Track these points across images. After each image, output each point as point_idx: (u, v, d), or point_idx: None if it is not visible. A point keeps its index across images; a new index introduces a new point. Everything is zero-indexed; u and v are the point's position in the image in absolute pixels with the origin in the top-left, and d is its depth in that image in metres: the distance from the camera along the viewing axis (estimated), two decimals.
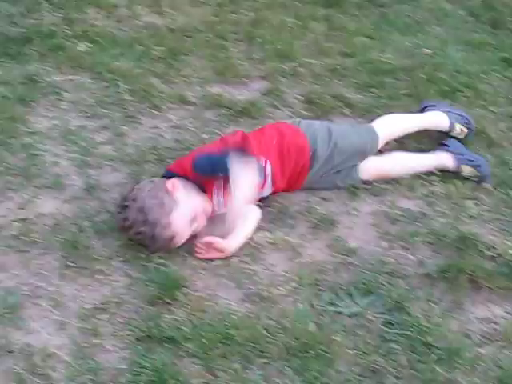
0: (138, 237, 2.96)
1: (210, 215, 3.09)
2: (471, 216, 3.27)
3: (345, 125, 3.65)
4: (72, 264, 2.94)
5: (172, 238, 2.94)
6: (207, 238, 2.96)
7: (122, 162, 3.53)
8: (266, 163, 3.18)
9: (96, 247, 3.02)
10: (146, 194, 2.97)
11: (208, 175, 3.04)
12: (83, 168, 3.48)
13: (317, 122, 3.47)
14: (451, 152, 3.51)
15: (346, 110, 4.01)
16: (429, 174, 3.49)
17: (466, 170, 3.46)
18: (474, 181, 3.46)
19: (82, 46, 4.38)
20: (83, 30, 4.54)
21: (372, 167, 3.42)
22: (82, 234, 3.07)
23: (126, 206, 2.97)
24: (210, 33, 4.69)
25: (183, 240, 2.99)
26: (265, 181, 3.19)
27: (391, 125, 3.62)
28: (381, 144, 3.51)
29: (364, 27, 4.87)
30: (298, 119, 3.52)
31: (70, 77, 4.18)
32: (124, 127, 3.80)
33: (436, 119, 3.71)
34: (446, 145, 3.58)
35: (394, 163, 3.49)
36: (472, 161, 3.47)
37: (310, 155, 3.29)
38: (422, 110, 3.79)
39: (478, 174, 3.45)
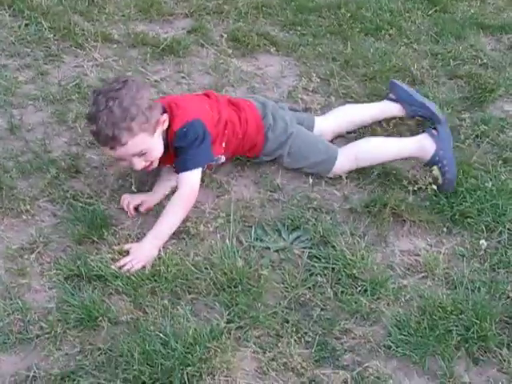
0: (102, 108, 2.70)
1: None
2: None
3: (309, 136, 3.22)
4: None
5: (120, 142, 2.71)
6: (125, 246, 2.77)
7: (46, 101, 3.48)
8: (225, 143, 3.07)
9: (21, 188, 2.99)
10: (147, 95, 2.82)
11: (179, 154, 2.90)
12: (6, 108, 3.42)
13: (281, 127, 3.14)
14: (436, 143, 3.18)
15: (272, 48, 4.02)
16: None
17: (434, 172, 3.16)
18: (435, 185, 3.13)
19: None
20: None
21: (349, 157, 3.19)
22: (6, 174, 3.03)
23: (126, 81, 2.77)
24: None
25: (119, 155, 2.79)
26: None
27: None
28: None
29: None
30: (271, 104, 3.22)
31: None
32: (47, 66, 3.74)
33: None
34: (436, 130, 3.25)
35: (373, 152, 3.23)
36: (445, 165, 3.12)
37: (262, 142, 3.16)
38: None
39: (441, 182, 3.12)
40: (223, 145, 3.04)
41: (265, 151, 3.16)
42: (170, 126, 2.88)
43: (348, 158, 3.18)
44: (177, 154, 2.90)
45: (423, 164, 3.23)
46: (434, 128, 3.30)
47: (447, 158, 3.14)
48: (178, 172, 2.89)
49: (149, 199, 2.99)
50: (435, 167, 3.14)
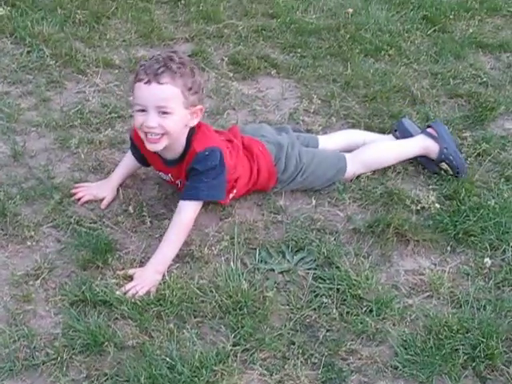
0: (163, 54, 2.80)
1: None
2: (397, 172, 3.34)
3: (318, 157, 3.22)
4: (1, 231, 2.91)
5: (159, 79, 2.70)
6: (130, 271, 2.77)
7: (48, 128, 3.49)
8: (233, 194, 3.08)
9: (25, 214, 3.00)
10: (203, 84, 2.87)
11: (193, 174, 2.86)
12: (9, 134, 3.43)
13: (293, 165, 3.14)
14: (439, 143, 3.32)
15: (272, 71, 4.04)
16: None
17: (443, 166, 3.33)
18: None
19: (2, 11, 4.29)
20: None
21: (357, 164, 3.26)
22: (10, 201, 3.03)
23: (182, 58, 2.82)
24: None
25: (146, 98, 2.73)
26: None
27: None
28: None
29: None
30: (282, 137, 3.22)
31: None
32: (49, 92, 3.76)
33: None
34: (434, 130, 3.37)
35: (379, 156, 3.35)
36: (452, 160, 3.29)
37: (274, 185, 3.18)
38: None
39: (452, 173, 3.31)
40: (230, 196, 3.05)
41: (276, 188, 3.19)
42: (192, 142, 2.85)
43: (355, 165, 3.25)
44: (188, 177, 2.88)
45: (431, 160, 3.35)
46: (429, 126, 3.42)
47: (452, 153, 3.30)
48: (183, 196, 2.87)
49: (104, 193, 3.09)
50: (443, 163, 3.31)
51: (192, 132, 2.88)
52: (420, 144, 3.35)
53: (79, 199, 3.08)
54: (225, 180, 2.90)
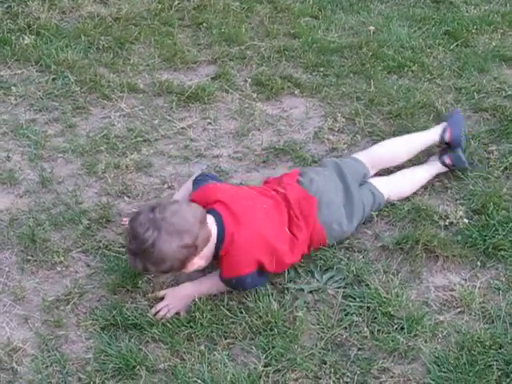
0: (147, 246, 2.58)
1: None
2: (424, 187, 3.32)
3: (363, 209, 3.11)
4: (31, 257, 2.94)
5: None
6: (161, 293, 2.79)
7: (75, 154, 3.52)
8: None
9: (54, 240, 3.02)
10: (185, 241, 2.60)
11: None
12: (36, 161, 3.46)
13: (336, 203, 3.04)
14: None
15: (296, 90, 4.05)
16: None
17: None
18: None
19: (27, 39, 4.33)
20: (27, 23, 4.49)
21: (393, 197, 3.24)
22: (39, 227, 3.06)
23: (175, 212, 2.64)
24: (156, 20, 4.67)
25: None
26: None
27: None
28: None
29: (308, 7, 4.89)
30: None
31: (17, 71, 4.15)
32: (75, 118, 3.79)
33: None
34: (450, 160, 3.39)
35: (410, 183, 3.34)
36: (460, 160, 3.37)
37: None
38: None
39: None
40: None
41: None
42: (221, 259, 2.76)
43: (389, 194, 3.21)
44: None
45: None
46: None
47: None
48: (221, 274, 2.79)
49: None
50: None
51: (221, 236, 2.74)
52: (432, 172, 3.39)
53: None
54: (263, 281, 2.81)
